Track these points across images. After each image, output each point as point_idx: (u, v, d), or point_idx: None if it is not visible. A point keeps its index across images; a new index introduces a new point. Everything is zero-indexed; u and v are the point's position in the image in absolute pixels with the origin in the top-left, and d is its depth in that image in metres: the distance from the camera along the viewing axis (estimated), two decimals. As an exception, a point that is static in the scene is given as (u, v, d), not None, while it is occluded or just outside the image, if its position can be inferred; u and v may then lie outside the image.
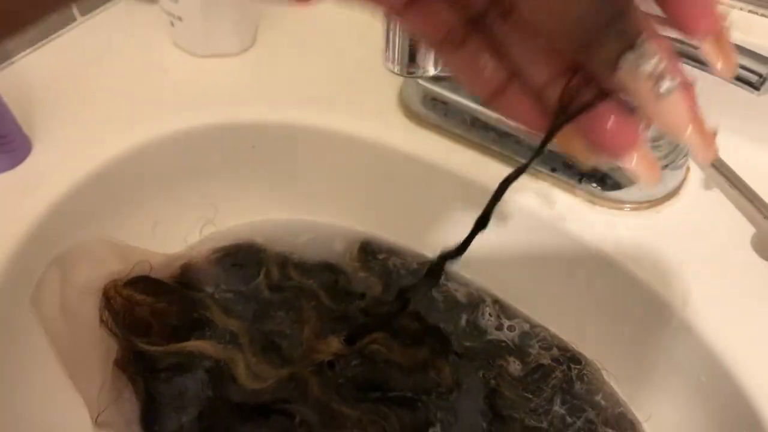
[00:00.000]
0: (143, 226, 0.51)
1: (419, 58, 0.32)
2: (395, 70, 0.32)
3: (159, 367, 0.45)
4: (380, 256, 0.53)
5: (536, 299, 0.50)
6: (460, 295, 0.51)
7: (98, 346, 0.45)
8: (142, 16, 0.61)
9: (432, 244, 0.52)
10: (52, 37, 0.59)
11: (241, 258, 0.52)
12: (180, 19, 0.54)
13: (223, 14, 0.54)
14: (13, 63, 0.57)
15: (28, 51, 0.58)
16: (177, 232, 0.53)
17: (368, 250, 0.53)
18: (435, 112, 0.50)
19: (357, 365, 0.44)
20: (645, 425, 0.44)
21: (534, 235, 0.47)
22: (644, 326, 0.43)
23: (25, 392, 0.44)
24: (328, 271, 0.51)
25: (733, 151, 0.45)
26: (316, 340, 0.45)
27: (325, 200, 0.55)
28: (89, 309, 0.46)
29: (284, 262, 0.51)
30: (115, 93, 0.54)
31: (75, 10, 0.60)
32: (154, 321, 0.46)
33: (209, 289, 0.50)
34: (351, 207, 0.55)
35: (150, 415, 0.44)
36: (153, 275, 0.49)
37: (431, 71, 0.32)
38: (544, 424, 0.43)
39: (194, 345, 0.46)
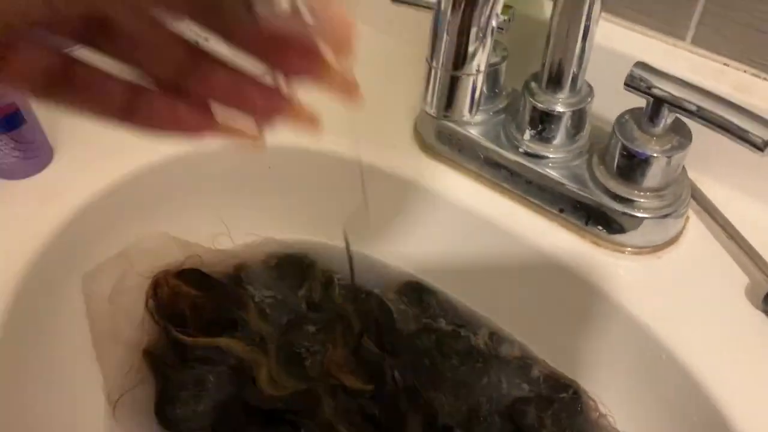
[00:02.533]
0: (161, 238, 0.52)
1: (457, 104, 0.34)
2: (433, 113, 0.34)
3: (186, 358, 0.47)
4: (423, 297, 0.54)
5: (535, 336, 0.52)
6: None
7: (134, 332, 0.48)
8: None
9: (441, 279, 0.54)
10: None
11: (292, 268, 0.54)
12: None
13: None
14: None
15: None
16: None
17: (412, 288, 0.55)
18: (449, 147, 0.52)
19: (371, 400, 0.46)
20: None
21: (536, 273, 0.49)
22: (641, 366, 0.45)
23: (41, 383, 0.45)
24: (369, 301, 0.53)
25: (733, 205, 0.48)
26: (337, 367, 0.46)
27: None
28: (137, 296, 0.49)
29: (329, 281, 0.53)
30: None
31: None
32: (193, 313, 0.48)
33: (253, 290, 0.52)
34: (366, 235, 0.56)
35: (165, 397, 0.46)
36: (206, 270, 0.51)
37: (467, 118, 0.34)
38: None
39: (224, 341, 0.48)
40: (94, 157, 0.52)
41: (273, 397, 0.45)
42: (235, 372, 0.48)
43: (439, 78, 0.33)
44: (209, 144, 0.54)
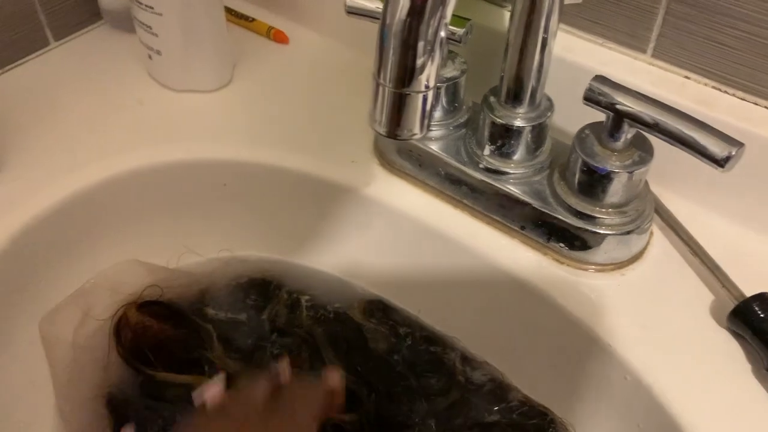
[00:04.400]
0: (110, 258, 0.50)
1: (406, 123, 0.32)
2: (382, 132, 0.33)
3: (154, 397, 0.46)
4: (390, 316, 0.53)
5: (498, 354, 0.50)
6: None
7: (98, 375, 0.47)
8: (118, 45, 0.61)
9: (406, 297, 0.52)
10: (24, 60, 0.59)
11: (257, 289, 0.53)
12: (159, 53, 0.54)
13: (203, 51, 0.54)
14: (-19, 85, 0.56)
15: (-2, 73, 0.57)
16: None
17: (377, 307, 0.53)
18: (409, 163, 0.50)
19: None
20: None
21: (497, 290, 0.48)
22: (605, 386, 0.44)
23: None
24: (337, 322, 0.51)
25: (697, 220, 0.47)
26: None
27: (298, 243, 0.55)
28: (99, 336, 0.47)
29: (296, 302, 0.52)
30: (87, 122, 0.54)
31: (48, 34, 0.60)
32: (158, 350, 0.48)
33: (216, 314, 0.51)
34: (323, 249, 0.55)
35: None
36: (169, 295, 0.50)
37: (418, 136, 0.33)
38: None
39: (190, 379, 0.46)
40: (43, 174, 0.50)
41: None
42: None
43: (386, 95, 0.31)
44: (164, 158, 0.52)
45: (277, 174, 0.52)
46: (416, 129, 0.32)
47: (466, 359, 0.50)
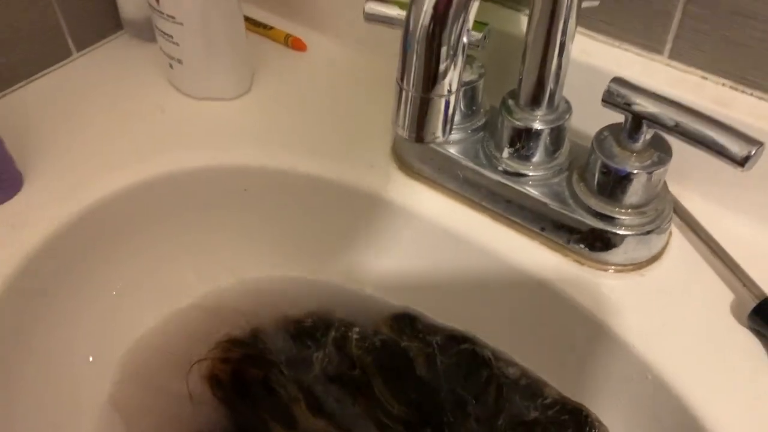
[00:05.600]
0: (137, 268, 0.51)
1: (429, 127, 0.33)
2: (406, 136, 0.33)
3: None
4: (418, 327, 0.53)
5: (525, 358, 0.51)
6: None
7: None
8: (139, 54, 0.62)
9: (430, 304, 0.53)
10: (47, 71, 0.60)
11: (307, 331, 0.52)
12: (180, 61, 0.55)
13: (223, 59, 0.55)
14: (5, 95, 0.57)
15: (22, 83, 0.58)
16: (174, 276, 0.53)
17: (404, 320, 0.53)
18: (428, 166, 0.51)
19: None
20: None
21: (520, 293, 0.48)
22: (629, 386, 0.44)
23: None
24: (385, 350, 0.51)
25: (716, 220, 0.47)
26: None
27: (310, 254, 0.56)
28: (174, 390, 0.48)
29: (345, 337, 0.51)
30: (109, 130, 0.55)
31: (71, 45, 0.61)
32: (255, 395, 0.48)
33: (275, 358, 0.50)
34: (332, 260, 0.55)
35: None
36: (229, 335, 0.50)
37: (441, 139, 0.33)
38: None
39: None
40: (66, 185, 0.50)
41: None
42: None
43: (410, 100, 0.32)
44: (188, 164, 0.53)
45: (293, 179, 0.53)
46: (439, 132, 0.33)
47: (497, 356, 0.51)
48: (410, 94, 0.32)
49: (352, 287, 0.55)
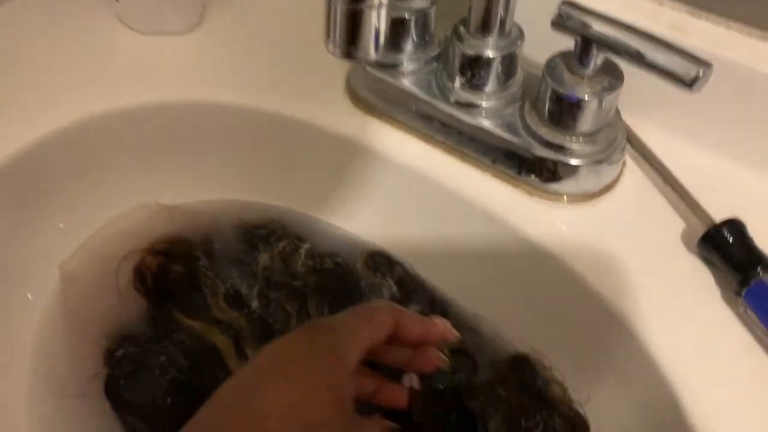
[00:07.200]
0: (87, 205, 0.50)
1: (360, 41, 0.31)
2: (335, 53, 0.32)
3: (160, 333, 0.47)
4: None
5: (473, 291, 0.50)
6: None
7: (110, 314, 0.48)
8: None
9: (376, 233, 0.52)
10: (-11, 6, 0.57)
11: (255, 236, 0.52)
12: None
13: (170, -9, 0.53)
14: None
15: (-39, 20, 0.56)
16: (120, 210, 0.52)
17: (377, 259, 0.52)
18: (382, 100, 0.50)
19: None
20: (586, 407, 0.44)
21: (471, 226, 0.47)
22: (577, 317, 0.44)
23: None
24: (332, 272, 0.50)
25: (669, 149, 0.46)
26: None
27: (267, 184, 0.55)
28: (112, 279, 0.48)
29: (295, 250, 0.51)
30: (54, 68, 0.53)
31: (13, -20, 0.58)
32: (173, 292, 0.48)
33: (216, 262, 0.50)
34: (294, 190, 0.54)
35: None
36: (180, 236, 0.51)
37: (373, 56, 0.32)
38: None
39: (199, 326, 0.47)
40: (12, 120, 0.49)
41: None
42: (205, 355, 0.46)
43: (339, 13, 0.31)
44: (136, 101, 0.51)
45: (248, 115, 0.52)
46: (371, 48, 0.32)
47: (440, 301, 0.50)
48: (338, 6, 0.30)
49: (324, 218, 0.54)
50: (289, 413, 0.30)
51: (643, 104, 0.47)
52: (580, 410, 0.43)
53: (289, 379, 0.31)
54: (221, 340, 0.47)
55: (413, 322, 0.38)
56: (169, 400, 0.45)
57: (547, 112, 0.43)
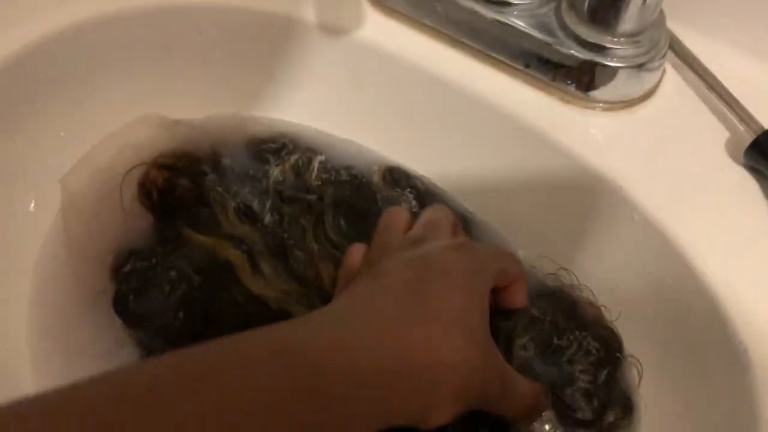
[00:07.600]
0: (83, 113, 0.47)
1: None
2: None
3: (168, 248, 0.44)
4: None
5: (499, 206, 0.48)
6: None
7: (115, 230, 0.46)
8: None
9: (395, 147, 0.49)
10: None
11: (267, 151, 0.49)
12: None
13: None
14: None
15: None
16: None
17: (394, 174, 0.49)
18: (405, 1, 0.46)
19: None
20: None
21: (499, 136, 0.45)
22: (613, 229, 0.42)
23: None
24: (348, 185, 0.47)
25: (713, 56, 0.44)
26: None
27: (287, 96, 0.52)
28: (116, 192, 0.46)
29: (308, 162, 0.48)
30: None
31: None
32: (181, 207, 0.46)
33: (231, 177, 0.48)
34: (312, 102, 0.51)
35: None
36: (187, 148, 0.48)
37: None
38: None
39: (209, 241, 0.44)
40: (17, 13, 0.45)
41: (263, 296, 0.42)
42: (216, 270, 0.44)
43: None
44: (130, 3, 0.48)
45: (256, 17, 0.48)
46: None
47: (467, 218, 0.48)
48: None
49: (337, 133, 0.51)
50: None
51: (687, 10, 0.44)
52: (614, 327, 0.42)
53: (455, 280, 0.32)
54: (234, 255, 0.44)
55: (522, 290, 0.37)
56: (181, 314, 0.42)
57: (587, 11, 0.40)
